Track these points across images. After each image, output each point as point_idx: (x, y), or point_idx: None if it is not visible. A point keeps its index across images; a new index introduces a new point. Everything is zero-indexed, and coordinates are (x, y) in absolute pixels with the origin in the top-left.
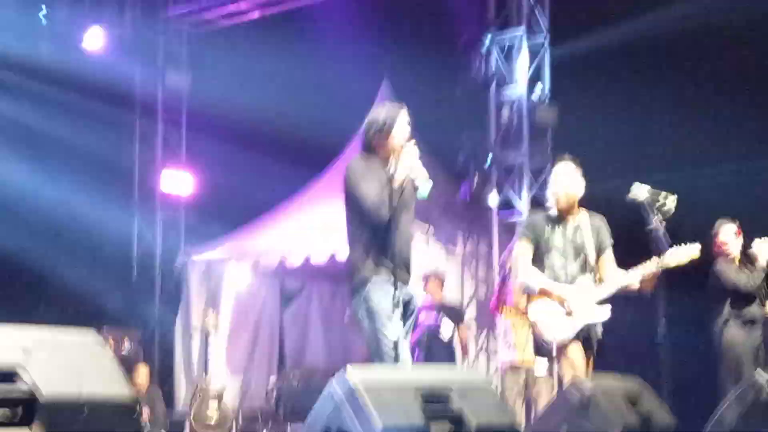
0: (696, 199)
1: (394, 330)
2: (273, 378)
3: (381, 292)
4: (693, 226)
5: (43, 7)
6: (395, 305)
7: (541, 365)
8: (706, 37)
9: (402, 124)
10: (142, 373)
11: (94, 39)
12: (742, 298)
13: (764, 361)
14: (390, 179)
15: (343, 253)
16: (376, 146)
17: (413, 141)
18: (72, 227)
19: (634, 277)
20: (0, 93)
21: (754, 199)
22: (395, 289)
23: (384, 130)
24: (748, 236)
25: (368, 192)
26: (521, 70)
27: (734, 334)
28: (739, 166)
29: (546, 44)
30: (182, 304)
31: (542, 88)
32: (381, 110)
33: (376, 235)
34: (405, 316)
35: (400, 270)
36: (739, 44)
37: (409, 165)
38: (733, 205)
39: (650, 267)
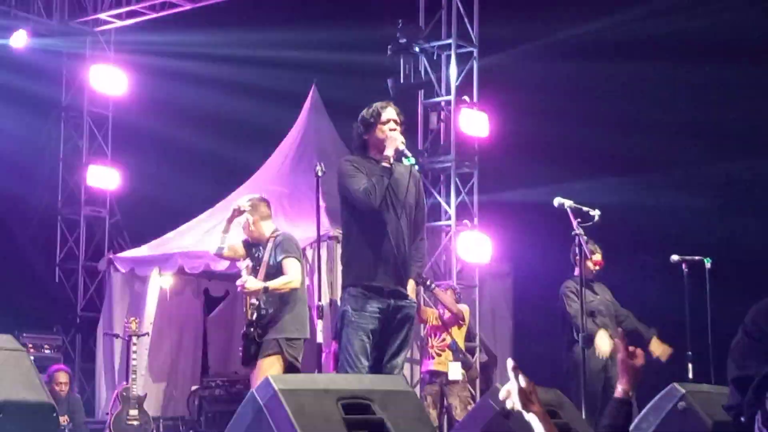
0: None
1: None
2: (195, 386)
3: (359, 302)
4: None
5: None
6: (376, 316)
7: (455, 369)
8: (619, 52)
9: (383, 114)
10: (62, 378)
11: (20, 39)
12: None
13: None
14: (381, 173)
15: None
16: (365, 141)
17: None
18: None
19: None
20: None
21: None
22: (373, 294)
23: (369, 121)
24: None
25: (358, 183)
26: (450, 79)
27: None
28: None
29: (474, 53)
30: (104, 308)
31: (470, 96)
32: (369, 108)
33: (363, 231)
34: (392, 328)
35: (389, 271)
36: (654, 58)
37: (395, 144)
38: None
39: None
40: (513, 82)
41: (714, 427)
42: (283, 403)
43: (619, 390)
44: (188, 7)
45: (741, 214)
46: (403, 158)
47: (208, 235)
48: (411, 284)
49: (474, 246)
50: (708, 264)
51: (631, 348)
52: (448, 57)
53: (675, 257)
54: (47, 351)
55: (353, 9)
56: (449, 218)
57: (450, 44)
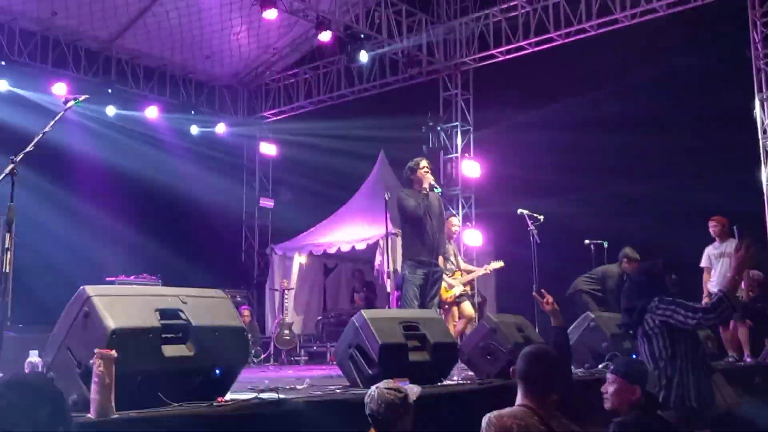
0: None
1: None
2: (318, 317)
3: (412, 269)
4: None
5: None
6: (422, 277)
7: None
8: (567, 126)
9: (421, 166)
10: (246, 314)
11: (221, 127)
12: None
13: None
14: (423, 198)
15: (358, 245)
16: (410, 180)
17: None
18: (211, 239)
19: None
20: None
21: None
22: (422, 266)
23: (412, 169)
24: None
25: (410, 204)
26: (457, 144)
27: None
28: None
29: (471, 130)
30: (269, 275)
31: (468, 153)
32: (412, 162)
33: (416, 232)
34: (430, 284)
35: (430, 253)
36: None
37: (429, 181)
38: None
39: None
40: (494, 145)
41: (611, 337)
42: (370, 324)
43: (553, 322)
44: (309, 108)
45: (624, 217)
46: (433, 189)
47: (322, 235)
48: (440, 259)
49: (472, 237)
50: (605, 245)
51: (546, 297)
52: (456, 132)
53: (587, 241)
54: (238, 299)
55: (403, 106)
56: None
57: (457, 125)
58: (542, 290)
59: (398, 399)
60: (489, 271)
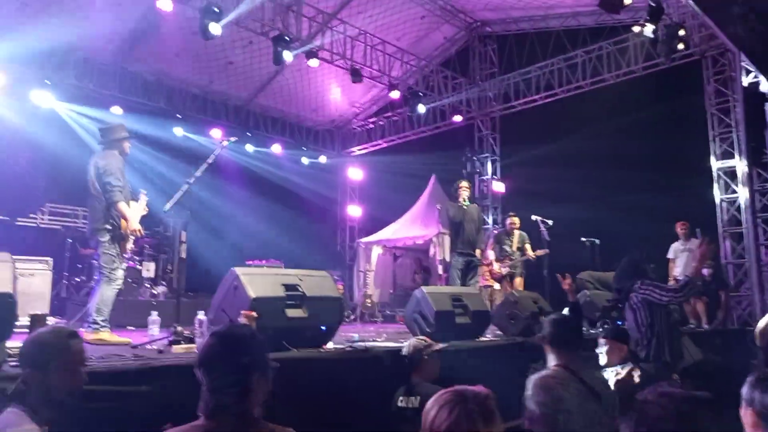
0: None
1: (458, 272)
2: (390, 291)
3: (455, 258)
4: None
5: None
6: (462, 263)
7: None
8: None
9: (460, 186)
10: (340, 288)
11: (323, 159)
12: None
13: None
14: (462, 208)
15: (418, 241)
16: (455, 194)
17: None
18: (317, 235)
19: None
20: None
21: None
22: (462, 256)
23: (456, 187)
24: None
25: (451, 213)
26: (488, 169)
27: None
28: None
29: (498, 160)
30: (356, 261)
31: (496, 175)
32: (455, 182)
33: (458, 232)
34: (469, 269)
35: (467, 246)
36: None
37: (463, 197)
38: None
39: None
40: (515, 169)
41: (602, 309)
42: (428, 297)
43: (570, 297)
44: (383, 145)
45: (613, 221)
46: (467, 202)
47: (392, 233)
48: (478, 251)
49: None
50: (597, 242)
51: (567, 279)
52: (487, 161)
53: (583, 239)
54: (335, 277)
55: (449, 143)
56: (488, 225)
57: (488, 156)
58: (565, 273)
59: (423, 346)
60: (533, 257)
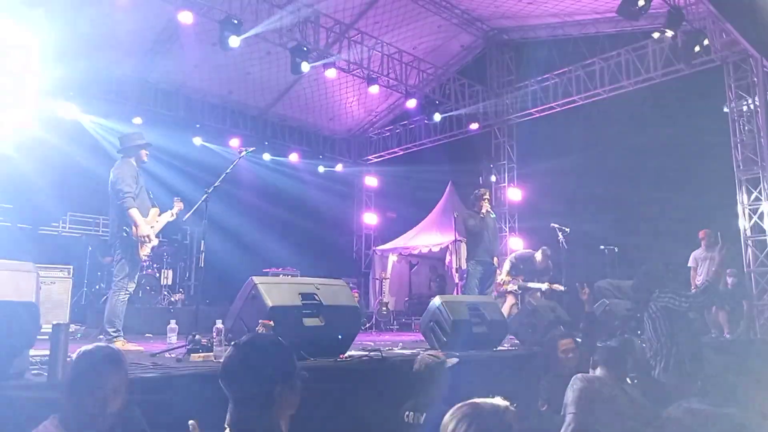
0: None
1: (476, 281)
2: (406, 299)
3: (474, 266)
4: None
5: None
6: (481, 271)
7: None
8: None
9: (484, 196)
10: (356, 295)
11: (339, 167)
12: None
13: None
14: (480, 218)
15: (433, 249)
16: (474, 204)
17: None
18: (333, 243)
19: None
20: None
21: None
22: (481, 264)
23: (477, 197)
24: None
25: (471, 223)
26: (506, 177)
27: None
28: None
29: (515, 168)
30: (372, 269)
31: (513, 183)
32: (474, 192)
33: (475, 241)
34: (486, 277)
35: (487, 255)
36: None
37: (486, 207)
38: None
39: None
40: (531, 177)
41: (621, 318)
42: (444, 306)
43: (587, 308)
44: (400, 153)
45: (631, 230)
46: (489, 213)
47: (408, 240)
48: (495, 258)
49: (515, 243)
50: (616, 250)
51: (585, 289)
52: (504, 168)
53: (602, 247)
54: (350, 285)
55: (465, 151)
56: (505, 232)
57: (504, 163)
58: (584, 283)
59: (433, 362)
60: (544, 288)
